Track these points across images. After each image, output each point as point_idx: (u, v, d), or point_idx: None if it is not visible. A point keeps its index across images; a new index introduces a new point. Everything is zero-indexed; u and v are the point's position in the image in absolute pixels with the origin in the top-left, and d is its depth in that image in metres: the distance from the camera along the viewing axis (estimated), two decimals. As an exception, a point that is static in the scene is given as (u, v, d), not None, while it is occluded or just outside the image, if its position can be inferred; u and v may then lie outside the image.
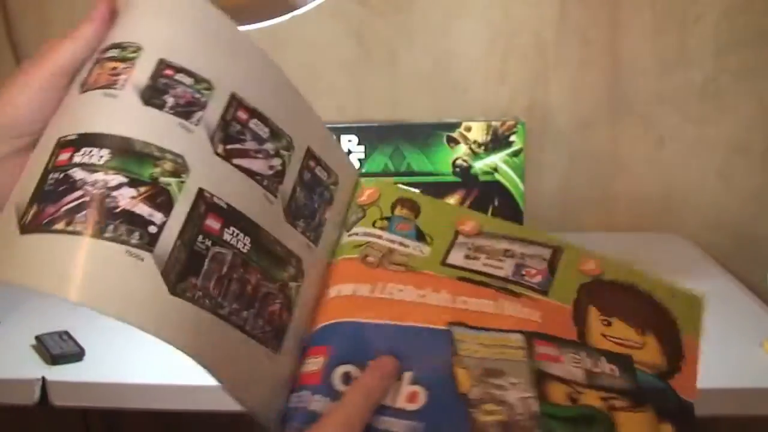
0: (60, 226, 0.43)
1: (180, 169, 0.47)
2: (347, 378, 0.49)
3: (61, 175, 0.45)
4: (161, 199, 0.45)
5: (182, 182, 0.46)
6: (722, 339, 0.85)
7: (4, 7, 1.24)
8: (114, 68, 0.47)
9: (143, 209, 0.44)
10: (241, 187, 0.50)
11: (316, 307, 0.54)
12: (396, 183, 0.61)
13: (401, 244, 0.58)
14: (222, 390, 0.46)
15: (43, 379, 0.86)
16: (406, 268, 0.57)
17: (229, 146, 0.49)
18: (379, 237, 0.58)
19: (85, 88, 0.47)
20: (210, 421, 1.19)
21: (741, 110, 1.25)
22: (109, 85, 0.47)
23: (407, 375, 0.49)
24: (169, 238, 0.45)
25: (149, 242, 0.44)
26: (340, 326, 0.53)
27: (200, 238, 0.46)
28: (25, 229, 0.44)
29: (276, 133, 0.53)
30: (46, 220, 0.44)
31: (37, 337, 0.92)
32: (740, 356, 0.87)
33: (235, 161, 0.50)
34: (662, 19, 1.23)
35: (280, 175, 0.53)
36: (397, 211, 0.60)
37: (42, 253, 0.43)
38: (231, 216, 0.48)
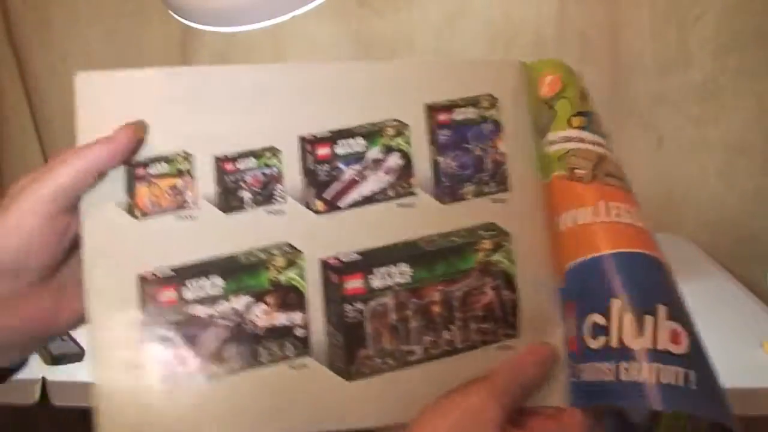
0: (212, 370, 0.41)
1: (292, 257, 0.42)
2: (596, 330, 0.41)
3: (181, 318, 0.41)
4: (292, 298, 0.42)
5: (301, 268, 0.42)
6: (722, 339, 0.85)
7: (4, 7, 1.24)
8: (173, 186, 0.43)
9: (281, 318, 0.42)
10: (367, 221, 0.44)
11: (554, 242, 0.44)
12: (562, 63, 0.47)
13: (607, 148, 0.46)
14: None
15: (43, 379, 0.86)
16: (621, 183, 0.45)
17: (326, 194, 0.44)
18: (581, 140, 0.46)
19: (142, 213, 0.42)
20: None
21: (741, 110, 1.25)
22: (179, 206, 0.42)
23: (662, 309, 0.40)
24: (320, 331, 0.42)
25: (304, 346, 0.42)
26: (573, 272, 0.43)
27: (347, 308, 0.42)
28: (165, 384, 0.41)
29: (373, 132, 0.45)
30: (191, 368, 0.41)
31: (37, 337, 0.92)
32: (740, 356, 0.87)
33: (343, 201, 0.44)
34: (662, 19, 1.23)
35: (405, 167, 0.45)
36: (589, 105, 0.47)
37: (204, 403, 0.40)
38: (370, 261, 0.43)
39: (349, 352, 0.42)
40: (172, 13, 0.81)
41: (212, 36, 1.13)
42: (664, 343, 0.39)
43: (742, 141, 1.26)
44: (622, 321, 0.40)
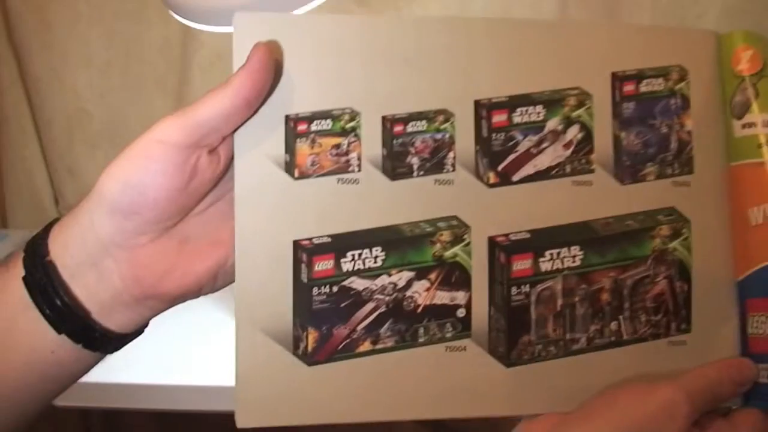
0: (365, 347, 0.39)
1: (460, 233, 0.40)
2: None
3: (334, 289, 0.39)
4: (456, 276, 0.40)
5: (467, 244, 0.40)
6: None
7: (4, 7, 1.24)
8: (337, 145, 0.40)
9: (443, 296, 0.40)
10: (540, 198, 0.41)
11: (741, 232, 0.41)
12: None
13: None
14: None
15: (43, 379, 0.86)
16: None
17: (501, 167, 0.41)
18: None
19: (301, 172, 0.39)
20: (210, 421, 1.19)
21: (741, 110, 1.25)
22: (342, 169, 0.39)
23: None
24: (482, 312, 0.40)
25: (464, 328, 0.40)
26: None
27: (514, 290, 0.40)
28: (314, 360, 0.39)
29: (554, 101, 0.41)
30: (342, 344, 0.39)
31: (37, 337, 0.92)
32: (740, 356, 0.87)
33: (517, 175, 0.41)
34: (662, 19, 1.23)
35: (585, 141, 0.42)
36: None
37: (353, 382, 0.39)
38: (540, 241, 0.40)
39: (512, 338, 0.40)
40: (172, 13, 0.81)
41: (212, 36, 1.13)
42: None
43: (743, 141, 1.26)
44: None
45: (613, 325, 0.41)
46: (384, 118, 0.40)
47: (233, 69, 0.39)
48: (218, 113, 0.38)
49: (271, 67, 0.38)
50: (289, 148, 0.39)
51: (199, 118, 0.38)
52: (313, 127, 0.40)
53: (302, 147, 0.40)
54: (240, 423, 0.38)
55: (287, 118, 0.39)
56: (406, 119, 0.40)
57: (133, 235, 0.39)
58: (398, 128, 0.40)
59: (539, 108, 0.41)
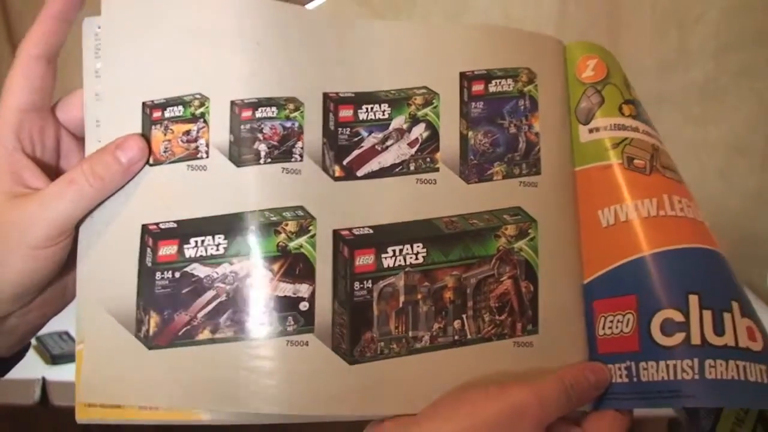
0: (204, 335, 0.38)
1: (305, 223, 0.39)
2: (671, 326, 0.38)
3: (176, 274, 0.38)
4: (300, 267, 0.38)
5: (313, 236, 0.39)
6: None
7: (4, 7, 1.24)
8: (187, 132, 0.39)
9: (286, 288, 0.38)
10: (383, 194, 0.40)
11: (587, 238, 0.42)
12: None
13: (658, 139, 0.43)
14: None
15: (43, 379, 0.86)
16: (677, 176, 0.42)
17: (346, 161, 0.40)
18: (636, 129, 0.42)
19: (155, 159, 0.39)
20: (210, 421, 1.19)
21: (741, 110, 1.25)
22: (192, 156, 0.39)
23: (736, 306, 0.39)
24: (325, 307, 0.38)
25: (306, 322, 0.38)
26: (638, 264, 0.40)
27: (357, 285, 0.39)
28: (154, 343, 0.38)
29: (399, 99, 0.41)
30: (182, 331, 0.38)
31: (37, 337, 0.92)
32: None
33: (362, 171, 0.40)
34: (662, 19, 1.23)
35: (430, 140, 0.41)
36: (634, 94, 0.43)
37: (191, 370, 0.37)
38: (383, 237, 0.39)
39: (354, 334, 0.38)
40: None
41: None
42: (744, 341, 0.37)
43: (743, 141, 1.26)
44: (702, 318, 0.38)
45: (457, 324, 0.40)
46: (233, 103, 0.39)
47: (101, 46, 0.40)
48: (70, 211, 0.37)
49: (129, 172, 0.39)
50: (145, 136, 0.39)
51: (53, 219, 0.37)
52: (167, 114, 0.39)
53: (157, 134, 0.39)
54: (79, 398, 0.38)
55: (144, 105, 0.39)
56: (256, 104, 0.39)
57: (27, 301, 0.39)
58: (246, 113, 0.39)
59: (384, 106, 0.41)
